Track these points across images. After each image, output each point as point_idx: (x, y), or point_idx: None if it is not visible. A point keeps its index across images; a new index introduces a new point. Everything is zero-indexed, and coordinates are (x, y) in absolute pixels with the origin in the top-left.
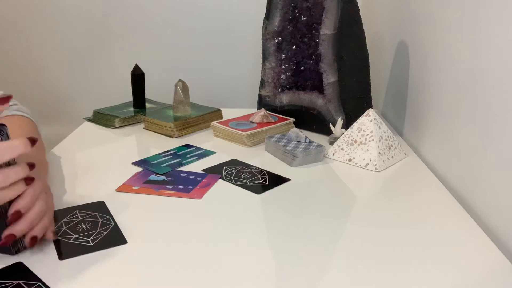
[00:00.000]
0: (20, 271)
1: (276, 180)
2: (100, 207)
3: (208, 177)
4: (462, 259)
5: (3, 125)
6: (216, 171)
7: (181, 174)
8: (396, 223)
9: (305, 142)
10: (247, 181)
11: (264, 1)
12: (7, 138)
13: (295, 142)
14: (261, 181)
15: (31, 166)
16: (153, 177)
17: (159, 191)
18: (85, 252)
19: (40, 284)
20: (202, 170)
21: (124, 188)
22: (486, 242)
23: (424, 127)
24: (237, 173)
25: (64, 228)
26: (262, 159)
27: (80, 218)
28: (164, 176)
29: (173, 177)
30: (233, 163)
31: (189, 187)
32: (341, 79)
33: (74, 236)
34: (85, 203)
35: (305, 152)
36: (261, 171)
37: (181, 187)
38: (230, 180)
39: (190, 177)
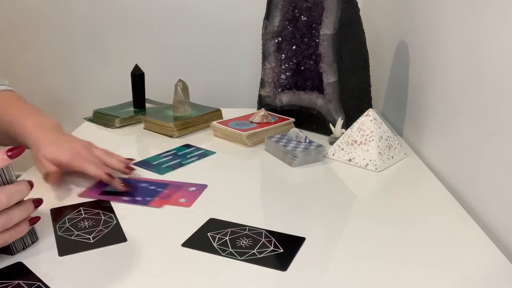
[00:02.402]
0: (20, 271)
1: (288, 242)
2: (104, 205)
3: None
4: (462, 259)
5: None
6: (200, 243)
7: (142, 184)
8: (396, 223)
9: (305, 142)
10: (255, 251)
11: (264, 1)
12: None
13: (295, 142)
14: (271, 247)
15: (37, 202)
16: (110, 188)
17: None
18: (84, 249)
19: (40, 284)
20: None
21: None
22: (486, 242)
23: (424, 127)
24: (233, 240)
25: (67, 224)
26: (262, 159)
27: (83, 215)
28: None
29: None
30: (215, 225)
31: (147, 198)
32: (341, 79)
33: (76, 232)
34: (89, 200)
35: (305, 152)
36: (260, 231)
37: (139, 198)
38: (231, 255)
39: (150, 187)
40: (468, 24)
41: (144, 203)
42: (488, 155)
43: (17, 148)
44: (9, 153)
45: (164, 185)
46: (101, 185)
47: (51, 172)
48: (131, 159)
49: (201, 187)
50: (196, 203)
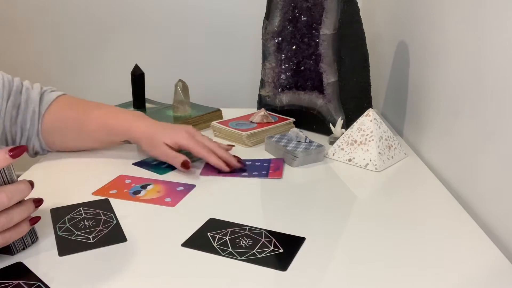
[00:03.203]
0: (20, 271)
1: (288, 242)
2: (104, 205)
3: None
4: (462, 259)
5: None
6: (200, 243)
7: (247, 162)
8: (396, 223)
9: (305, 142)
10: (255, 251)
11: (264, 1)
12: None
13: (295, 142)
14: (271, 247)
15: (37, 202)
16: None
17: (135, 196)
18: (84, 249)
19: (40, 284)
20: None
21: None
22: (486, 242)
23: (424, 127)
24: (233, 240)
25: (67, 224)
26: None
27: (83, 215)
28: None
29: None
30: (215, 225)
31: (263, 172)
32: (341, 79)
33: (76, 232)
34: (89, 200)
35: (306, 152)
36: (260, 231)
37: (255, 173)
38: (231, 255)
39: (256, 163)
40: (468, 24)
41: (262, 176)
42: (488, 155)
43: (18, 147)
44: (11, 153)
45: (267, 160)
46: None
47: (183, 157)
48: (230, 146)
49: (189, 187)
50: (196, 203)
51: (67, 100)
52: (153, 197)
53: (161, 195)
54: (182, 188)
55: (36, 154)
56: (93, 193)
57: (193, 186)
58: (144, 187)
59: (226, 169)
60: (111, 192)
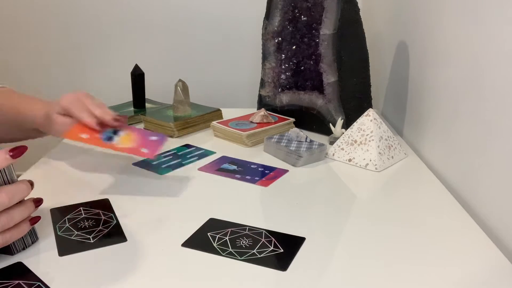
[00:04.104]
0: (20, 271)
1: (288, 242)
2: (104, 205)
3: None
4: (462, 259)
5: None
6: (200, 243)
7: (252, 166)
8: (396, 223)
9: (306, 141)
10: (255, 251)
11: (264, 1)
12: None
13: (296, 142)
14: (271, 247)
15: (37, 202)
16: (226, 165)
17: (110, 143)
18: (84, 249)
19: (40, 284)
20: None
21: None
22: (486, 242)
23: (424, 127)
24: (233, 240)
25: (67, 224)
26: (262, 159)
27: (83, 215)
28: (235, 166)
29: (243, 168)
30: (215, 225)
31: (256, 177)
32: (341, 79)
33: (76, 232)
34: (89, 200)
35: (309, 151)
36: (260, 231)
37: (248, 177)
38: (231, 255)
39: (259, 169)
40: (468, 24)
41: (252, 181)
42: (488, 155)
43: (18, 148)
44: (11, 153)
45: (271, 168)
46: (218, 163)
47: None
48: (122, 116)
49: (162, 138)
50: (196, 203)
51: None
52: (129, 146)
53: (137, 144)
54: (156, 137)
55: None
56: (63, 136)
57: (165, 137)
58: (115, 132)
59: (95, 127)
60: (82, 136)
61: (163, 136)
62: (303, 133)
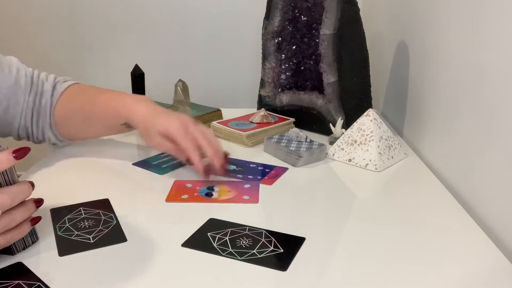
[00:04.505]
0: (20, 271)
1: (288, 242)
2: (104, 205)
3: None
4: (462, 259)
5: None
6: (200, 243)
7: (251, 165)
8: (396, 223)
9: (306, 141)
10: (255, 251)
11: (264, 1)
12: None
13: (296, 142)
14: (271, 247)
15: (38, 202)
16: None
17: (211, 198)
18: (84, 249)
19: (40, 284)
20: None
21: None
22: (486, 242)
23: (424, 127)
24: (233, 240)
25: (67, 224)
26: (262, 159)
27: (83, 215)
28: (235, 166)
29: (243, 167)
30: (215, 225)
31: (258, 177)
32: (341, 79)
33: (76, 232)
34: (89, 200)
35: (309, 151)
36: (260, 231)
37: (250, 176)
38: (231, 255)
39: (259, 168)
40: (468, 23)
41: (256, 181)
42: (488, 155)
43: (22, 149)
44: (15, 154)
45: (271, 166)
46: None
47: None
48: (227, 155)
49: (255, 183)
50: (196, 202)
51: (77, 89)
52: (230, 197)
53: (236, 193)
54: (249, 185)
55: (54, 144)
56: (167, 200)
57: (257, 182)
58: (210, 188)
59: (202, 175)
60: (183, 197)
61: (255, 181)
62: (303, 133)
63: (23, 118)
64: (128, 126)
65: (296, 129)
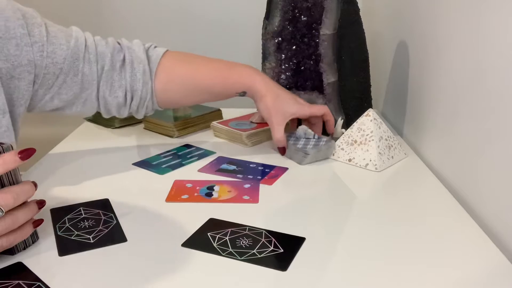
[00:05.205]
0: (20, 271)
1: (288, 242)
2: (104, 205)
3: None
4: (462, 259)
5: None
6: (200, 243)
7: (251, 165)
8: (396, 223)
9: (314, 138)
10: (255, 251)
11: (264, 1)
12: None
13: (304, 139)
14: (271, 247)
15: (40, 203)
16: (225, 166)
17: (211, 198)
18: (84, 249)
19: (40, 284)
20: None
21: (173, 197)
22: (486, 242)
23: (424, 127)
24: (233, 240)
25: (67, 224)
26: (262, 159)
27: (83, 215)
28: (235, 166)
29: (243, 167)
30: (215, 225)
31: (258, 177)
32: (341, 79)
33: (76, 233)
34: (89, 200)
35: (316, 148)
36: (260, 231)
37: (250, 176)
38: (231, 255)
39: (259, 168)
40: (468, 23)
41: (256, 181)
42: (488, 155)
43: (27, 150)
44: (20, 155)
45: (271, 166)
46: (217, 164)
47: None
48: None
49: (255, 183)
50: (196, 202)
51: (176, 56)
52: (231, 197)
53: (236, 193)
54: (249, 185)
55: (145, 116)
56: (166, 200)
57: (258, 182)
58: (210, 188)
59: (332, 135)
60: (183, 197)
61: (255, 182)
62: (311, 131)
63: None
64: (242, 95)
65: (304, 126)
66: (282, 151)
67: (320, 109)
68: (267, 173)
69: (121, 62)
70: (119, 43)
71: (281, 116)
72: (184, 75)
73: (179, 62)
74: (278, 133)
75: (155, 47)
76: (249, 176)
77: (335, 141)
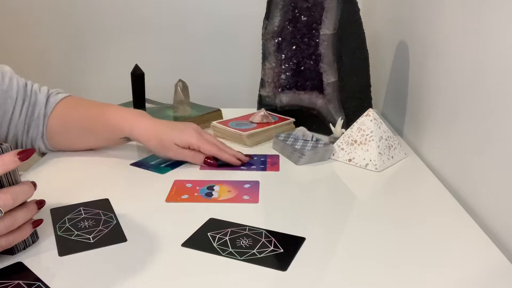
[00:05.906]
0: (20, 271)
1: (288, 242)
2: (104, 205)
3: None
4: (462, 259)
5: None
6: (200, 243)
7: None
8: (396, 223)
9: (312, 140)
10: (255, 251)
11: (264, 1)
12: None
13: (302, 140)
14: (271, 247)
15: (40, 203)
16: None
17: (211, 198)
18: (85, 249)
19: (40, 284)
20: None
21: (172, 197)
22: (486, 242)
23: (424, 127)
24: (233, 240)
25: (67, 224)
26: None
27: (83, 215)
28: None
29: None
30: (215, 225)
31: (261, 166)
32: (341, 79)
33: (76, 233)
34: (89, 200)
35: (313, 150)
36: (260, 231)
37: (253, 166)
38: (232, 255)
39: (261, 159)
40: (468, 24)
41: (263, 169)
42: (488, 155)
43: (26, 150)
44: (19, 156)
45: (264, 156)
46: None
47: (201, 154)
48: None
49: (255, 183)
50: (196, 202)
51: (71, 101)
52: (230, 197)
53: (236, 193)
54: (249, 185)
55: (43, 154)
56: (166, 200)
57: (257, 182)
58: (210, 188)
59: (238, 163)
60: (183, 197)
61: (255, 182)
62: (310, 132)
63: (13, 127)
64: (127, 140)
65: (302, 128)
66: (213, 164)
67: (191, 143)
68: (265, 161)
69: (27, 105)
70: (32, 87)
71: (173, 150)
72: (72, 120)
73: (71, 108)
74: (188, 157)
75: (59, 93)
76: (252, 166)
77: (335, 142)
